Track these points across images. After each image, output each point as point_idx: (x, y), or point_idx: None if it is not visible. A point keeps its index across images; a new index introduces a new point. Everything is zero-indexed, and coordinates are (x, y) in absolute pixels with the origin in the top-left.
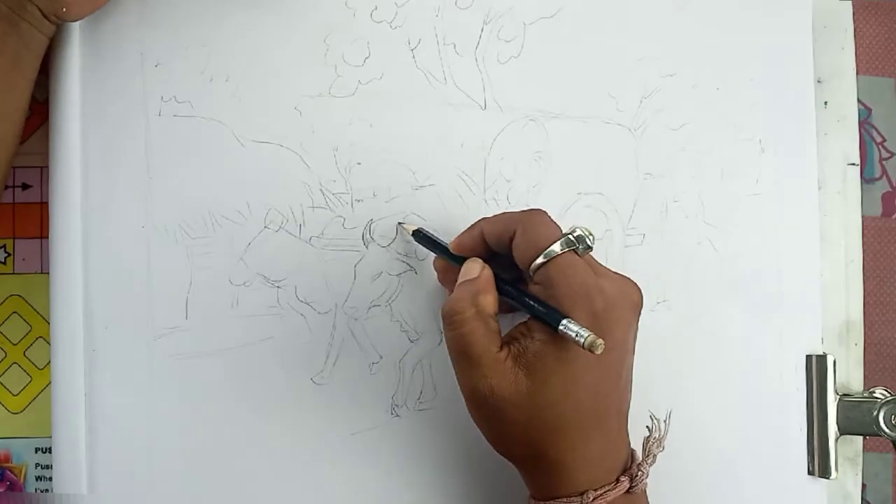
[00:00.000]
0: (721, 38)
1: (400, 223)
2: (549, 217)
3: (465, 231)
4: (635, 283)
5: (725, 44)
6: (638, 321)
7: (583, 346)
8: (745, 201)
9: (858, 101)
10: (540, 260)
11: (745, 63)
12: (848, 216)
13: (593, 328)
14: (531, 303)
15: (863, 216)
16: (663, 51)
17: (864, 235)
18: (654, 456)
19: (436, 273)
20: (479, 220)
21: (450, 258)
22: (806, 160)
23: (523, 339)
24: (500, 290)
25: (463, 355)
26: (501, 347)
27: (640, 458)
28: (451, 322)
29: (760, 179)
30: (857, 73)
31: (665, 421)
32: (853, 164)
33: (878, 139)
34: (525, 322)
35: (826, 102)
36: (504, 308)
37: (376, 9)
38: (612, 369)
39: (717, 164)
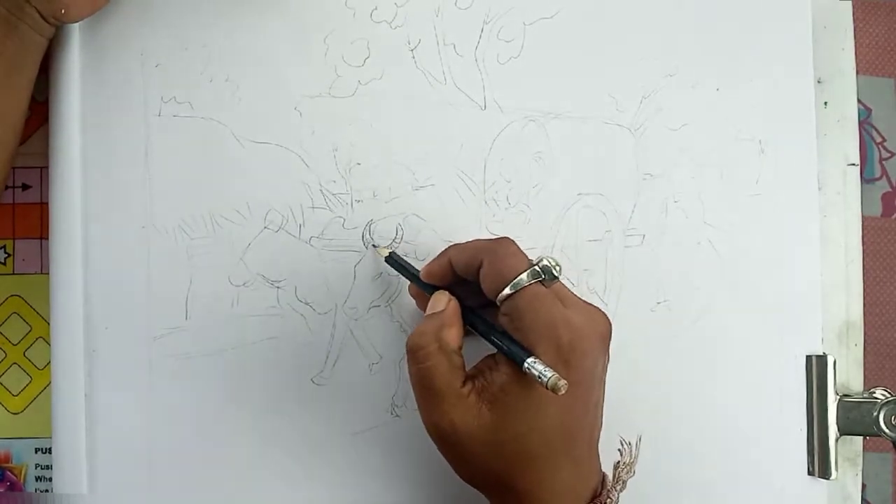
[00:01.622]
0: (721, 38)
1: (374, 245)
2: (517, 246)
3: (435, 259)
4: (604, 313)
5: (725, 44)
6: (607, 351)
7: (546, 387)
8: (744, 201)
9: (858, 101)
10: (507, 291)
11: (745, 63)
12: (848, 216)
13: (559, 361)
14: (496, 340)
15: (863, 216)
16: (663, 51)
17: (864, 235)
18: (625, 482)
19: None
20: (448, 248)
21: (421, 285)
22: (806, 160)
23: (489, 372)
24: (467, 322)
25: (425, 390)
26: (465, 382)
27: (610, 485)
28: (414, 357)
29: (760, 180)
30: (857, 73)
31: (635, 446)
32: (853, 165)
33: (878, 139)
34: (493, 354)
35: (826, 103)
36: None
37: (376, 9)
38: (579, 401)
39: (717, 165)
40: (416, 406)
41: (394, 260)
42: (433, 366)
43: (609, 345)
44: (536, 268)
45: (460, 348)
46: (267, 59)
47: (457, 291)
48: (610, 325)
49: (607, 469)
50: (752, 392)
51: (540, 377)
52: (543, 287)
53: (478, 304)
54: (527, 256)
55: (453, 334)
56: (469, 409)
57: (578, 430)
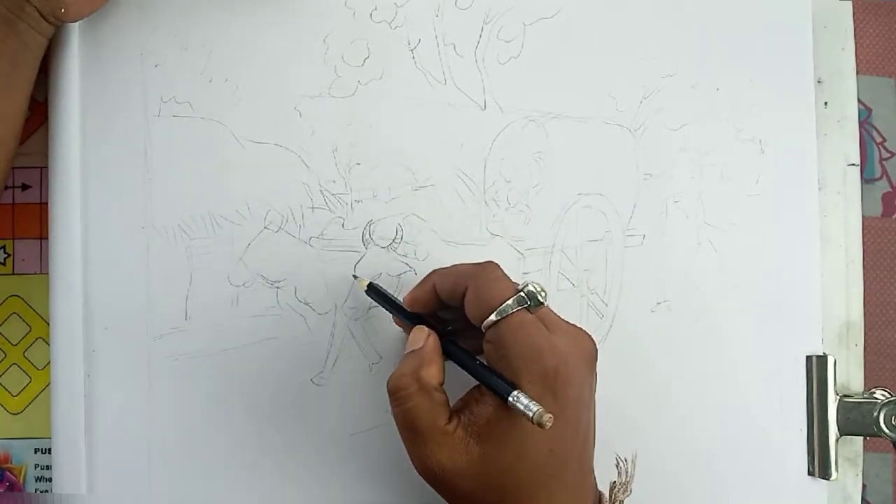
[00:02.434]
0: (721, 39)
1: (354, 276)
2: (502, 271)
3: (418, 285)
4: (588, 335)
5: (725, 44)
6: (594, 373)
7: (531, 421)
8: (745, 202)
9: (858, 100)
10: (492, 318)
11: (745, 63)
12: (848, 216)
13: (545, 389)
14: (479, 374)
15: (863, 216)
16: (663, 51)
17: (864, 235)
18: (621, 502)
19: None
20: (431, 273)
21: (402, 315)
22: (806, 160)
23: (475, 404)
24: (448, 355)
25: (410, 432)
26: (451, 418)
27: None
28: (395, 399)
29: (760, 180)
30: (858, 73)
31: (631, 464)
32: (853, 165)
33: (878, 139)
34: (478, 385)
35: (826, 103)
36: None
37: (376, 9)
38: (568, 426)
39: (716, 165)
40: None
41: (374, 291)
42: (414, 406)
43: (595, 366)
44: (522, 294)
45: (441, 384)
46: (267, 59)
47: (441, 315)
48: (595, 346)
49: (604, 486)
50: (753, 392)
51: (525, 410)
52: (529, 314)
53: (462, 326)
54: (511, 281)
55: (433, 372)
56: (456, 445)
57: (569, 456)
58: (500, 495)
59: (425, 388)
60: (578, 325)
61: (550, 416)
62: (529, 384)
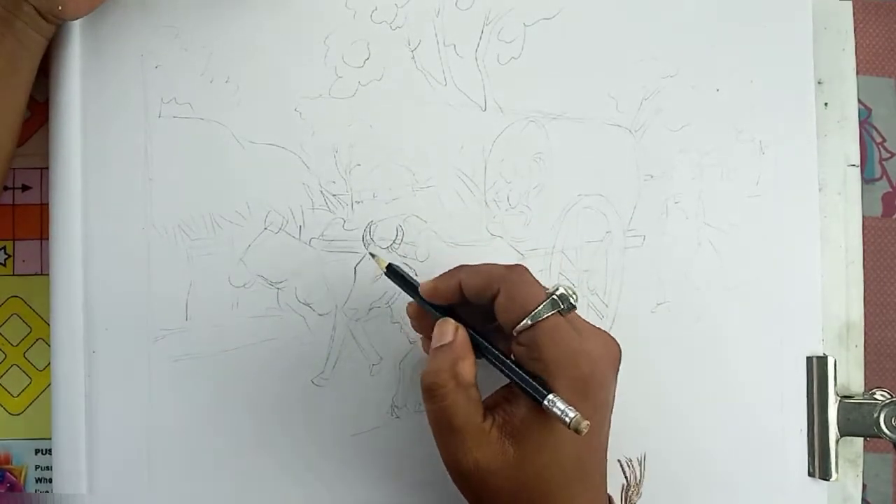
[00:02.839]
0: (721, 40)
1: (372, 255)
2: (532, 274)
3: (441, 277)
4: (615, 340)
5: (725, 45)
6: (617, 376)
7: (568, 427)
8: (745, 202)
9: (858, 101)
10: (526, 322)
11: (746, 64)
12: (848, 217)
13: (577, 393)
14: (513, 376)
15: (863, 216)
16: (663, 52)
17: (864, 236)
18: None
19: (412, 311)
20: (457, 268)
21: (424, 303)
22: (806, 161)
23: (508, 405)
24: (481, 354)
25: (446, 429)
26: (485, 417)
27: None
28: (431, 396)
29: (761, 181)
30: (858, 74)
31: (642, 465)
32: (853, 166)
33: (878, 139)
34: (508, 385)
35: (826, 104)
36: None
37: (376, 9)
38: (594, 431)
39: (717, 166)
40: (416, 407)
41: (394, 272)
42: (453, 403)
43: (618, 370)
44: (555, 297)
45: (475, 380)
46: (267, 60)
47: (457, 312)
48: (620, 350)
49: (613, 489)
50: (753, 393)
51: (562, 415)
52: (562, 317)
53: (479, 324)
54: (542, 285)
55: (468, 367)
56: (491, 445)
57: (592, 457)
58: (528, 497)
59: (462, 385)
60: (602, 328)
61: (588, 422)
62: (564, 388)
